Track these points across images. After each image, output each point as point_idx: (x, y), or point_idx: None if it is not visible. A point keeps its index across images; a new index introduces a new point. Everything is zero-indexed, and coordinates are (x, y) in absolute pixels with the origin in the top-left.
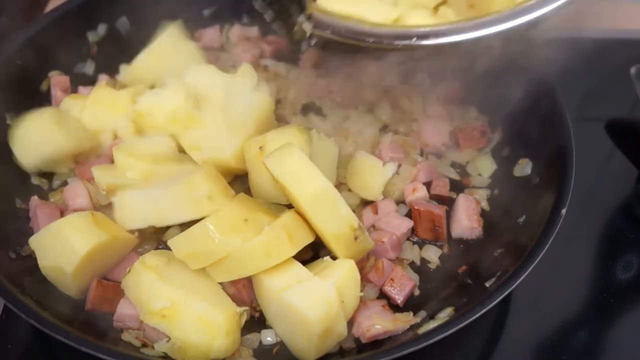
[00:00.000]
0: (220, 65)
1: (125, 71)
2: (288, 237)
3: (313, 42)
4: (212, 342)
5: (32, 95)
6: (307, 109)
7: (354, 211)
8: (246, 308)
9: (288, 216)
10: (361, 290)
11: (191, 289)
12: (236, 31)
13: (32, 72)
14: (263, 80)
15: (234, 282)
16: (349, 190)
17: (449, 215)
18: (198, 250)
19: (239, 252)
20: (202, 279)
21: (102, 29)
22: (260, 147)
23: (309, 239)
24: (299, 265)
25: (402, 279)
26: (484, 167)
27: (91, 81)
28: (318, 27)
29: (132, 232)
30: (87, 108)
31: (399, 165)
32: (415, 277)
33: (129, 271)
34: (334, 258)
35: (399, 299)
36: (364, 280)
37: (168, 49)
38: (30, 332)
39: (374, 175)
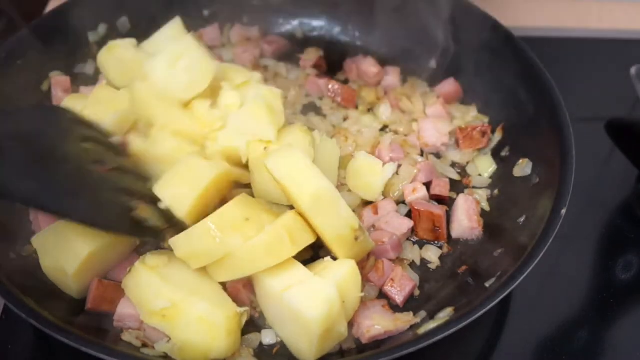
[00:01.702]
0: None
1: None
2: (289, 237)
3: None
4: (213, 342)
5: (33, 95)
6: (307, 109)
7: (354, 211)
8: (247, 308)
9: (289, 216)
10: (361, 291)
11: (192, 289)
12: (237, 31)
13: (33, 72)
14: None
15: (234, 282)
16: (349, 190)
17: (449, 215)
18: (199, 249)
19: (239, 251)
20: (202, 279)
21: (102, 28)
22: (265, 148)
23: (310, 240)
24: (299, 265)
25: (402, 280)
26: (484, 167)
27: (92, 81)
28: None
29: None
30: (88, 108)
31: (399, 166)
32: (416, 277)
33: (130, 271)
34: (335, 258)
35: (399, 299)
36: (364, 280)
37: (169, 41)
38: (31, 332)
39: (374, 175)
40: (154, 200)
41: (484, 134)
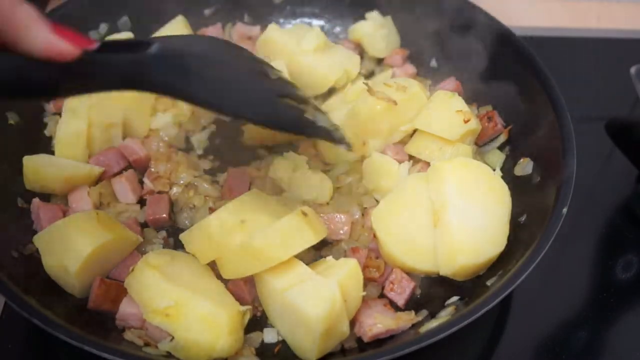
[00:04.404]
0: None
1: None
2: (308, 225)
3: None
4: (216, 341)
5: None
6: None
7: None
8: (249, 307)
9: (292, 216)
10: (363, 290)
11: (195, 288)
12: (238, 30)
13: None
14: None
15: (235, 281)
16: (365, 194)
17: None
18: (206, 245)
19: (249, 246)
20: (205, 277)
21: (103, 28)
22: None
23: (312, 241)
24: (301, 264)
25: (402, 281)
26: (495, 161)
27: None
28: None
29: (135, 231)
30: (96, 105)
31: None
32: (417, 277)
33: (133, 270)
34: (336, 258)
35: (400, 302)
36: (366, 279)
37: None
38: (31, 331)
39: (389, 176)
40: (314, 106)
41: (489, 119)
